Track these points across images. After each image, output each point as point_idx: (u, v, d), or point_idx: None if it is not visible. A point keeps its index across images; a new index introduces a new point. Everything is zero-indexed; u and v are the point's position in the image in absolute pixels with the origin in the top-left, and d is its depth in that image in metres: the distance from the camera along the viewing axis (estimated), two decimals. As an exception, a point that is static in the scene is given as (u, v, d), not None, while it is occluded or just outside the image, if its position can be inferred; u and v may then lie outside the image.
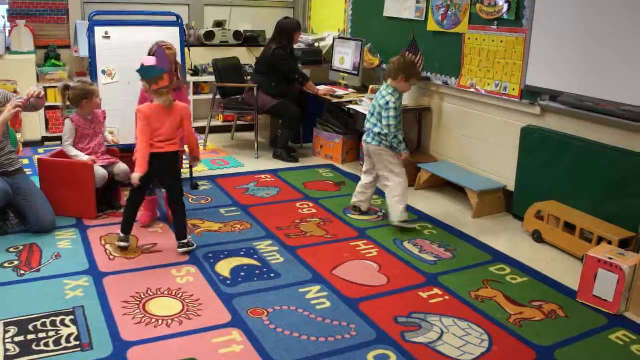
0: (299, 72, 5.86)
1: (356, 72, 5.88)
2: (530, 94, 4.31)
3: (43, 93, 4.00)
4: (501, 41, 4.50)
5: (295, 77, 5.82)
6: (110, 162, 4.24)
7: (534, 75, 4.24)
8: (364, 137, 4.23)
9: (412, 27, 5.25)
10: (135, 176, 3.49)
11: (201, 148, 6.09)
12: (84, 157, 4.08)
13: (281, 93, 5.85)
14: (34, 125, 5.85)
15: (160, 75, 3.44)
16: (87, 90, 4.12)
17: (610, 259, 3.19)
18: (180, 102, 3.64)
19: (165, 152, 3.57)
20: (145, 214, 4.05)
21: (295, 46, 6.61)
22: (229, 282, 3.38)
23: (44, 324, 2.87)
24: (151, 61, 3.44)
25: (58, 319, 2.92)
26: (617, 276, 3.14)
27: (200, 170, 5.38)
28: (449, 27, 4.99)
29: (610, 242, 3.53)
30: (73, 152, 4.11)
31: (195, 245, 3.74)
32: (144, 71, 3.44)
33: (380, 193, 4.98)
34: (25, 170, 4.10)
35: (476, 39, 4.74)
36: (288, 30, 5.86)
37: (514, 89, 4.43)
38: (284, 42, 5.85)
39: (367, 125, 4.18)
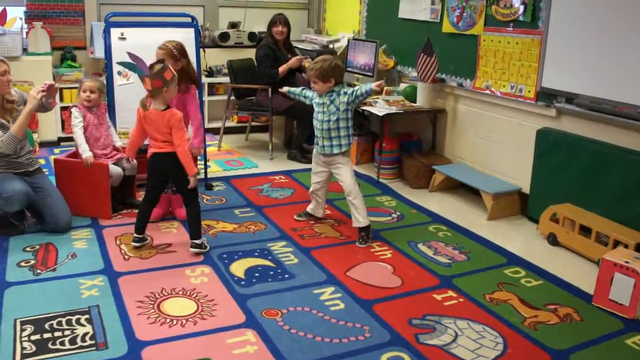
0: (270, 74, 5.77)
1: (371, 74, 5.87)
2: (546, 96, 4.29)
3: (57, 85, 4.01)
4: (517, 43, 4.48)
5: (266, 81, 5.79)
6: (118, 158, 4.29)
7: (549, 77, 4.22)
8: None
9: (427, 29, 5.24)
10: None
11: (215, 149, 6.12)
12: (85, 150, 4.10)
13: None
14: (50, 126, 5.90)
15: (142, 77, 3.53)
16: (80, 84, 4.27)
17: (627, 262, 3.16)
18: (176, 111, 3.63)
19: (166, 152, 3.61)
20: (154, 210, 4.04)
21: (309, 47, 6.64)
22: (243, 282, 3.39)
23: (59, 323, 2.89)
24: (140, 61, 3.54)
25: (74, 318, 2.94)
26: (633, 280, 3.11)
27: (214, 171, 5.40)
28: (464, 28, 4.98)
29: (626, 246, 3.50)
30: (80, 139, 4.13)
31: (208, 248, 3.76)
32: (129, 65, 3.54)
33: (395, 195, 4.97)
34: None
35: (491, 40, 4.72)
36: (268, 26, 5.97)
37: (529, 91, 4.41)
38: (268, 38, 5.93)
39: None
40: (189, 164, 3.61)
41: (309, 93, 4.17)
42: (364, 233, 3.95)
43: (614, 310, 3.20)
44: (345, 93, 3.94)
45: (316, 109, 4.04)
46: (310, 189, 4.25)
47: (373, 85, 3.88)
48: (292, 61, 5.78)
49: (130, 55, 3.52)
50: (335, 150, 4.00)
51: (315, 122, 4.04)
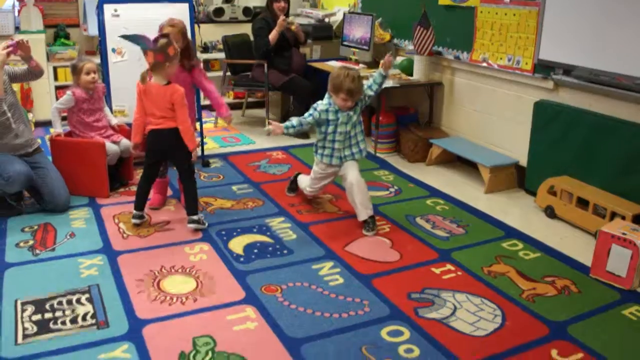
0: (262, 44, 5.74)
1: (367, 47, 5.83)
2: (543, 68, 4.26)
3: (26, 40, 3.88)
4: (514, 14, 4.44)
5: (260, 52, 5.78)
6: (113, 139, 4.27)
7: (547, 49, 4.19)
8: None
9: (423, 2, 5.19)
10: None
11: (212, 125, 6.10)
12: (57, 127, 4.15)
13: (288, 66, 5.83)
14: (45, 105, 5.85)
15: (144, 51, 3.51)
16: (73, 66, 4.21)
17: (624, 234, 3.17)
18: (178, 87, 3.59)
19: (162, 129, 3.60)
20: (154, 197, 4.05)
21: (305, 21, 6.59)
22: (242, 259, 3.40)
23: (60, 303, 2.91)
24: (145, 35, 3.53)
25: (74, 298, 2.95)
26: (630, 252, 3.13)
27: (211, 147, 5.39)
28: (460, 0, 4.93)
29: (623, 218, 3.51)
30: (55, 116, 4.17)
31: (206, 225, 3.76)
32: (133, 38, 3.52)
33: (392, 169, 4.97)
34: (37, 150, 4.13)
35: (488, 12, 4.68)
36: (268, 1, 5.92)
37: (526, 63, 4.38)
38: (265, 12, 5.91)
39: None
40: (191, 139, 3.64)
41: (310, 119, 3.78)
42: (370, 219, 3.80)
43: (611, 282, 3.22)
44: (359, 102, 3.81)
45: (338, 124, 3.75)
46: (312, 193, 4.11)
47: (381, 69, 3.81)
48: (279, 24, 5.72)
49: (126, 35, 3.52)
50: (365, 154, 3.89)
51: (334, 136, 3.78)
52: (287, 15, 5.94)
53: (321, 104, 3.78)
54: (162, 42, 3.49)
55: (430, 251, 3.56)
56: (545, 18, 4.17)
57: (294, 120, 3.79)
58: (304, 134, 5.77)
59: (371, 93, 3.86)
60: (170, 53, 3.50)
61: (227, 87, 6.27)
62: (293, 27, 5.84)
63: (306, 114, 3.81)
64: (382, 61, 3.84)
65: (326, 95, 3.79)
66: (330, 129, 3.77)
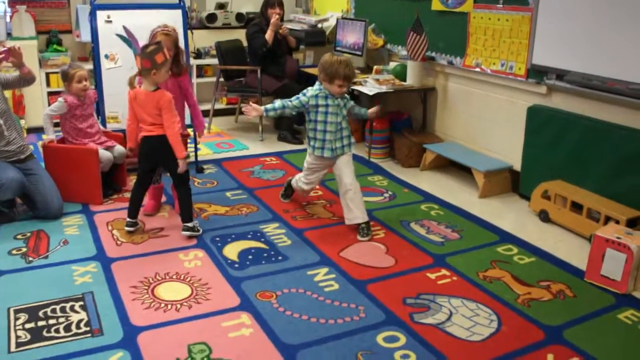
0: (261, 43, 5.80)
1: (360, 53, 5.84)
2: (537, 73, 4.28)
3: (18, 46, 3.90)
4: (507, 20, 4.46)
5: (260, 52, 5.82)
6: (107, 145, 4.26)
7: (540, 54, 4.21)
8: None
9: (416, 7, 5.20)
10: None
11: (205, 131, 6.07)
12: (50, 133, 4.14)
13: (282, 72, 5.84)
14: (37, 112, 5.82)
15: (135, 55, 3.54)
16: (64, 73, 4.18)
17: (618, 238, 3.18)
18: (166, 92, 3.59)
19: (154, 135, 3.59)
20: (149, 203, 4.04)
21: (298, 27, 6.59)
22: (236, 265, 3.38)
23: (54, 310, 2.88)
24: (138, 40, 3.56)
25: (68, 305, 2.93)
26: (625, 255, 3.13)
27: (205, 153, 5.38)
28: (453, 6, 4.94)
29: (617, 222, 3.52)
30: (47, 122, 4.16)
31: (200, 231, 3.75)
32: (126, 40, 3.55)
33: (386, 174, 4.97)
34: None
35: (481, 17, 4.69)
36: (261, 6, 5.99)
37: (519, 68, 4.39)
38: (259, 18, 5.98)
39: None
40: (178, 147, 3.59)
41: (296, 102, 3.78)
42: (364, 225, 3.80)
43: (606, 286, 3.22)
44: (348, 98, 3.86)
45: (329, 112, 3.75)
46: (308, 187, 4.08)
47: (369, 112, 3.95)
48: (273, 23, 5.76)
49: (126, 30, 3.51)
50: (352, 149, 3.88)
51: (324, 126, 3.77)
52: (281, 20, 5.96)
53: (311, 90, 3.79)
54: (150, 49, 3.47)
55: (425, 256, 3.55)
56: (538, 23, 4.19)
57: (277, 103, 3.79)
58: (300, 140, 5.77)
59: (353, 112, 3.96)
60: (158, 61, 3.47)
61: (220, 93, 6.27)
62: (281, 30, 5.86)
63: (293, 98, 3.81)
64: (371, 110, 3.98)
65: (316, 83, 3.81)
66: (320, 117, 3.77)
